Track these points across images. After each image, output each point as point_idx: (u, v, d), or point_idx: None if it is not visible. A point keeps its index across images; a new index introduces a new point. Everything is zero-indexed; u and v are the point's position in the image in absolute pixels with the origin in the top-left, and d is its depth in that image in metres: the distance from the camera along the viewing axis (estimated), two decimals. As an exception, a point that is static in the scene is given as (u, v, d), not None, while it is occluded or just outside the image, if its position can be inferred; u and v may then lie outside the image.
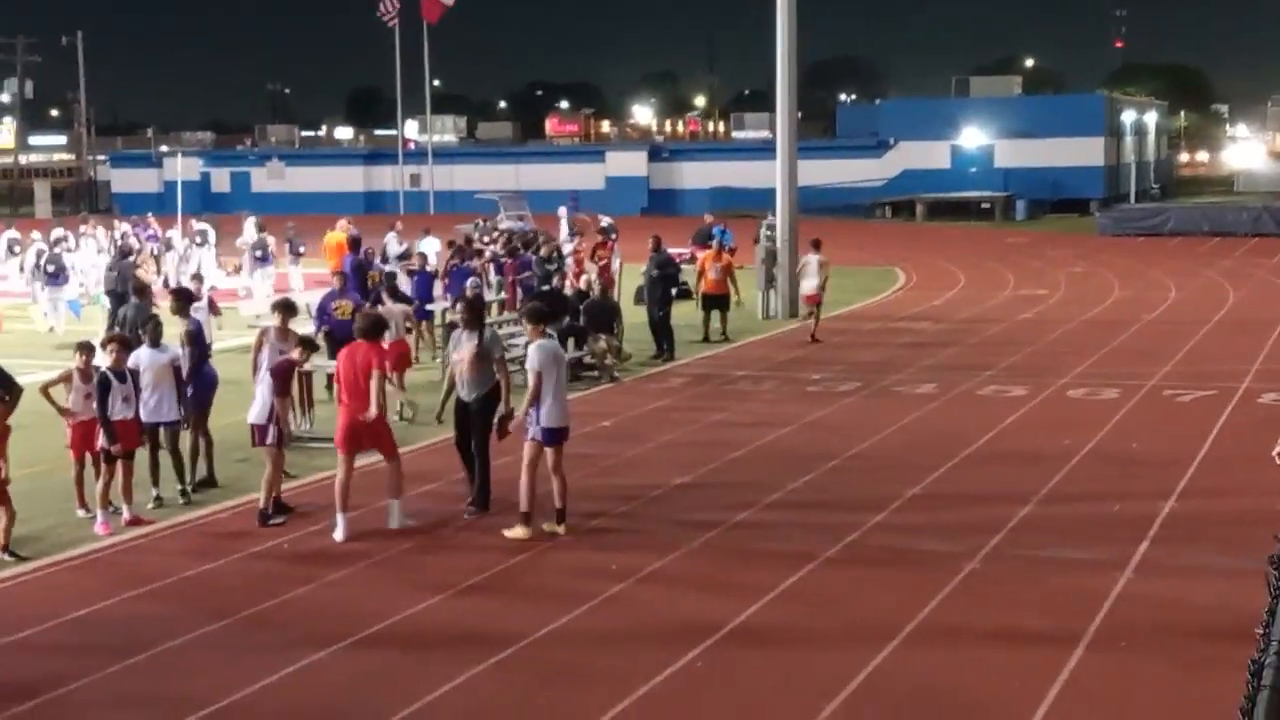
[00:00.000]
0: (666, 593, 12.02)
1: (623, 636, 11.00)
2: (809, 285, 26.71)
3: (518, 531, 13.32)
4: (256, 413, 14.07)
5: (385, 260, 29.34)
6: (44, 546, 13.35)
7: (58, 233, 34.67)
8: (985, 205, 69.03)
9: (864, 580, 12.30)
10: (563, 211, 41.32)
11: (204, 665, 10.39)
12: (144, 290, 19.35)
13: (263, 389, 14.13)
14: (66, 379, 14.16)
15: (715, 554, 13.04)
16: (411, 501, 14.14)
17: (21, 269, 32.77)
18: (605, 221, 35.67)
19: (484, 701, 9.74)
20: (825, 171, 68.17)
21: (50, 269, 29.09)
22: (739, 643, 10.65)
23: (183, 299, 17.08)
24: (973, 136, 73.93)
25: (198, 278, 23.52)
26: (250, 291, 32.08)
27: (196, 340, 16.00)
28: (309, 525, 13.91)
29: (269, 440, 13.96)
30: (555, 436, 13.45)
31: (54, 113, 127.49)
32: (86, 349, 14.45)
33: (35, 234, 33.85)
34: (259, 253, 34.26)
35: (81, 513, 14.31)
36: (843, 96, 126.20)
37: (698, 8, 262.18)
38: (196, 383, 15.59)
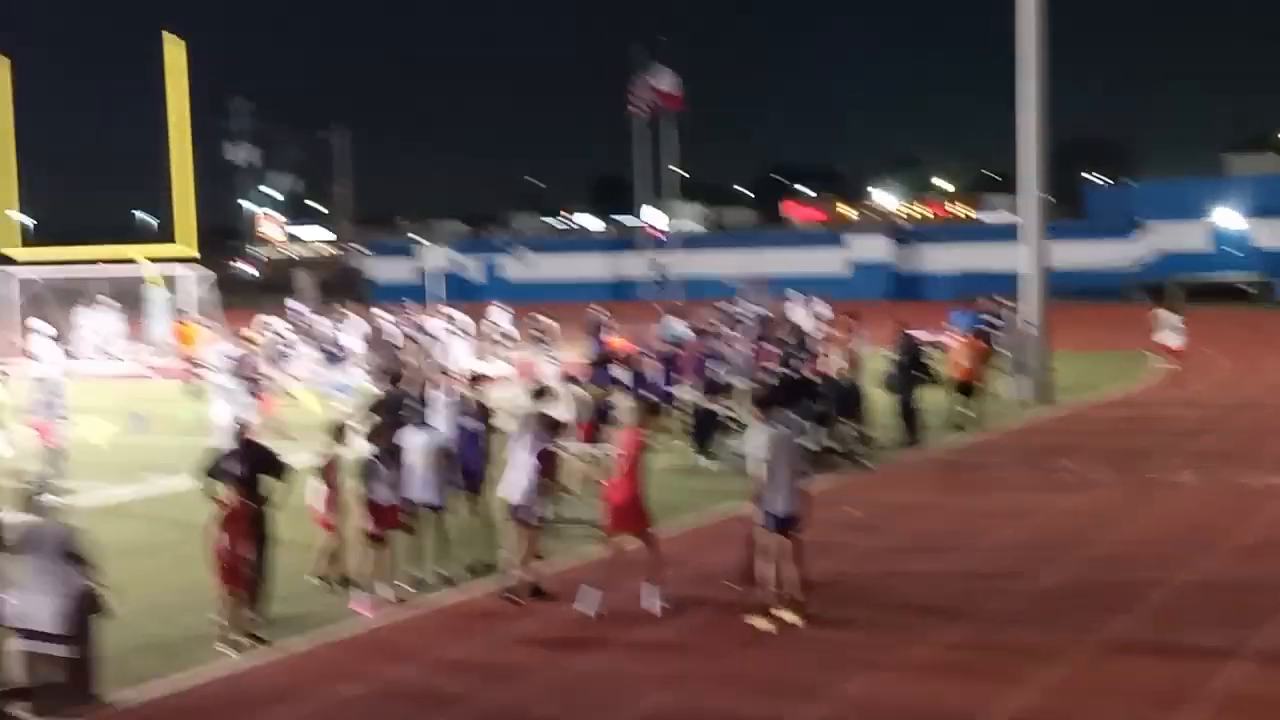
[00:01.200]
0: (919, 685, 11.77)
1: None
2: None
3: (760, 621, 13.26)
4: (519, 493, 14.37)
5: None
6: (306, 624, 13.76)
7: (327, 321, 36.28)
8: (1245, 287, 66.34)
9: (1131, 672, 11.88)
10: (794, 296, 41.21)
11: None
12: (407, 375, 20.06)
13: (523, 472, 14.41)
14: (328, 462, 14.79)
15: (968, 647, 12.74)
16: (665, 585, 14.18)
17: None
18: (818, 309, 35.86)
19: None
20: (1074, 254, 66.40)
21: (334, 352, 30.77)
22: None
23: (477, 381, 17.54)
24: (1230, 216, 71.29)
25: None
26: (503, 377, 32.83)
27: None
28: (561, 608, 14.07)
29: (531, 521, 14.26)
30: (785, 524, 13.36)
31: (313, 204, 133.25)
32: (339, 432, 15.16)
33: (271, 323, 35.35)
34: (506, 339, 35.20)
35: (315, 581, 14.83)
36: (1089, 176, 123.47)
37: (940, 90, 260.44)
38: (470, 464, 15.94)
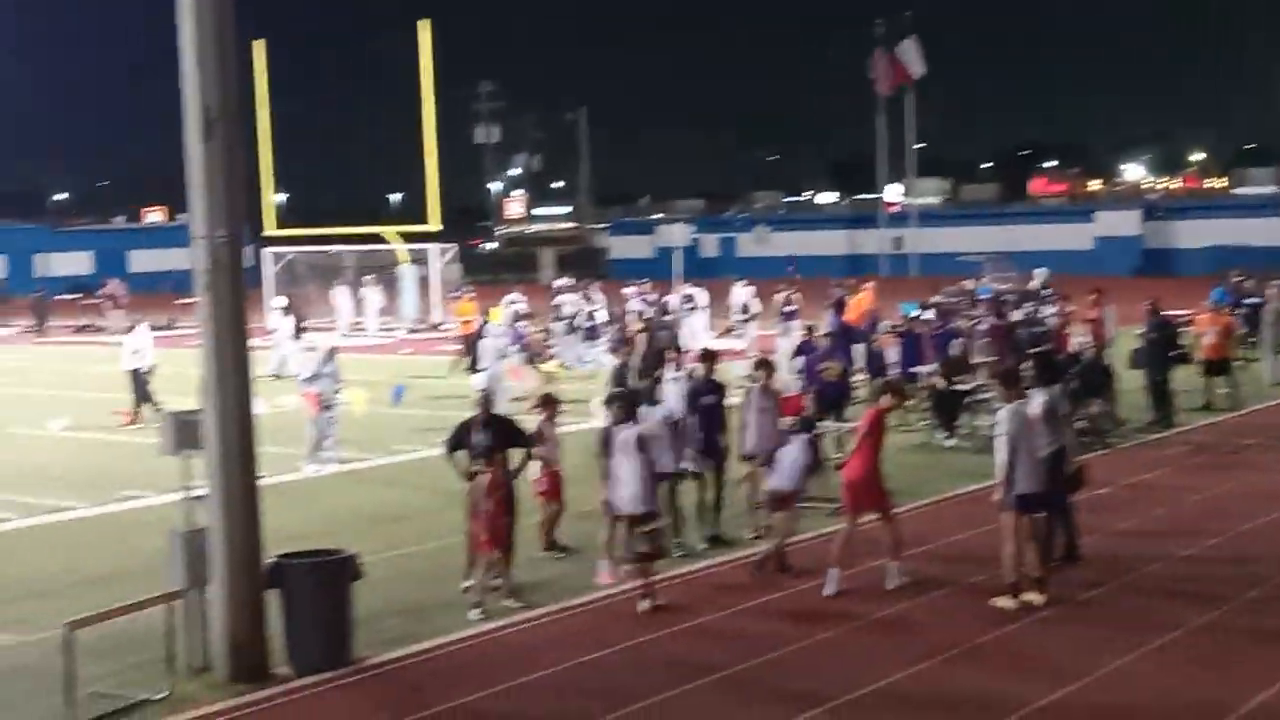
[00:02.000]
0: (1166, 670, 11.43)
1: (1118, 717, 10.56)
2: None
3: (1005, 601, 13.02)
4: (783, 477, 14.42)
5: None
6: (549, 591, 14.03)
7: (573, 297, 37.02)
8: None
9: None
10: (1037, 273, 40.25)
11: (699, 714, 10.72)
12: (646, 351, 20.33)
13: (793, 450, 14.48)
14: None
15: (1220, 632, 12.31)
16: (906, 562, 14.04)
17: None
18: (1038, 279, 34.91)
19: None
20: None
21: (587, 326, 31.49)
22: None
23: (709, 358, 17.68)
24: None
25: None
26: (743, 352, 32.93)
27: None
28: (801, 583, 14.10)
29: (794, 502, 14.36)
30: (1031, 503, 13.06)
31: (557, 184, 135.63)
32: (550, 402, 15.65)
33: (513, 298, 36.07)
34: (747, 315, 35.32)
35: (539, 552, 15.10)
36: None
37: (1190, 63, 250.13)
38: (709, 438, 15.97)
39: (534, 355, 27.94)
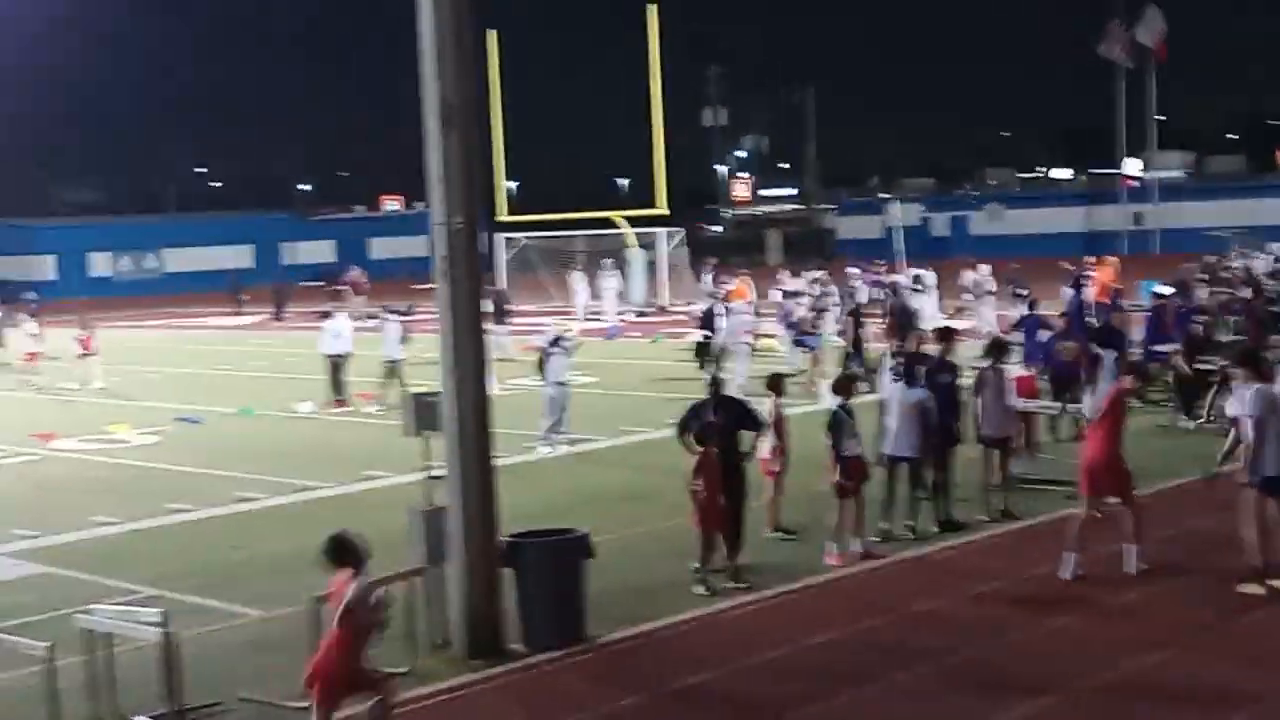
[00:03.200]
0: None
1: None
2: None
3: (1251, 587, 12.60)
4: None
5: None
6: (776, 572, 14.05)
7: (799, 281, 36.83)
8: None
9: None
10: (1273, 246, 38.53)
11: (926, 699, 10.66)
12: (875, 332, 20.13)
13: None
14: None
15: None
16: (1147, 546, 13.67)
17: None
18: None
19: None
20: None
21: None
22: None
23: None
24: None
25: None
26: (977, 331, 32.38)
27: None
28: (1034, 567, 13.86)
29: None
30: (1277, 487, 12.58)
31: (784, 165, 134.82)
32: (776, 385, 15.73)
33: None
34: (981, 294, 34.75)
35: (767, 533, 15.12)
36: None
37: None
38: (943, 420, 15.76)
39: (803, 333, 27.98)
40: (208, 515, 18.33)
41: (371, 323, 29.97)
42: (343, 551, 9.50)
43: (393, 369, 27.25)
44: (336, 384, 27.26)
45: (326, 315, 29.78)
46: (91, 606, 11.68)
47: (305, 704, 10.76)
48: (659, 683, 11.20)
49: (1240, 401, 12.88)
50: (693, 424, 14.09)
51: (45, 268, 75.13)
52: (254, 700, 11.14)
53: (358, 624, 9.26)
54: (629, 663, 11.76)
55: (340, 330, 27.96)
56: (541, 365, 22.30)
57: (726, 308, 30.78)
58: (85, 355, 33.01)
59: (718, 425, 13.94)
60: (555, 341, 22.46)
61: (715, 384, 14.89)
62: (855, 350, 26.84)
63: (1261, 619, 12.10)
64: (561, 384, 22.09)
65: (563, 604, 12.14)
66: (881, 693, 10.81)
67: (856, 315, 28.52)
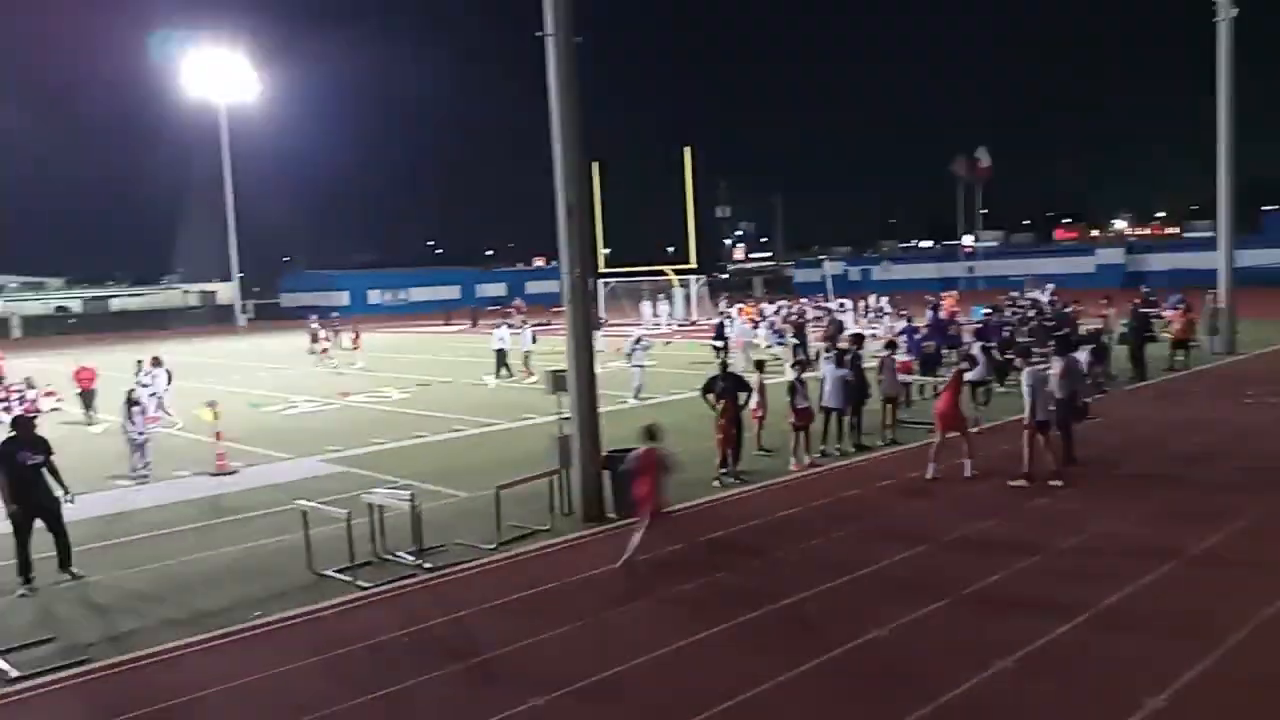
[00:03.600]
0: (1143, 526, 10.58)
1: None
2: None
3: (1020, 482, 12.44)
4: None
5: None
6: (760, 475, 13.91)
7: (774, 306, 36.35)
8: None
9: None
10: (1047, 287, 36.74)
11: (850, 545, 10.51)
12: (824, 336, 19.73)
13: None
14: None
15: (1182, 502, 11.35)
16: (977, 461, 13.38)
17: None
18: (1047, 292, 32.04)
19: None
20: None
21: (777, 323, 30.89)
22: None
23: None
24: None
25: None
26: (878, 336, 31.89)
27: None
28: (910, 472, 13.54)
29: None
30: (1044, 425, 12.43)
31: (764, 239, 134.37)
32: (760, 366, 15.37)
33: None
34: (879, 313, 34.17)
35: (755, 451, 14.69)
36: None
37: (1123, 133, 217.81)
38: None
39: (781, 336, 27.90)
40: (435, 439, 18.32)
41: (521, 330, 29.87)
42: (652, 433, 10.22)
43: (527, 357, 27.42)
44: (500, 365, 27.32)
45: (497, 326, 29.88)
46: (370, 490, 11.85)
47: (492, 545, 10.92)
48: (692, 536, 11.13)
49: (1024, 376, 12.77)
50: (714, 387, 14.04)
51: (342, 298, 75.64)
52: (462, 544, 11.26)
53: (663, 469, 9.99)
54: (675, 525, 11.61)
55: (503, 336, 28.05)
56: (630, 355, 22.30)
57: (729, 320, 30.78)
58: (355, 349, 34.08)
59: (727, 389, 13.91)
60: (638, 341, 22.47)
61: (724, 365, 14.84)
62: (803, 345, 26.64)
63: (1038, 502, 11.93)
64: (640, 367, 22.00)
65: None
66: (823, 542, 10.75)
67: (803, 326, 28.27)
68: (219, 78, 57.49)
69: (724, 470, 13.69)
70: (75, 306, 74.26)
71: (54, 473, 10.53)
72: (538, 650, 8.25)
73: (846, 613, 8.66)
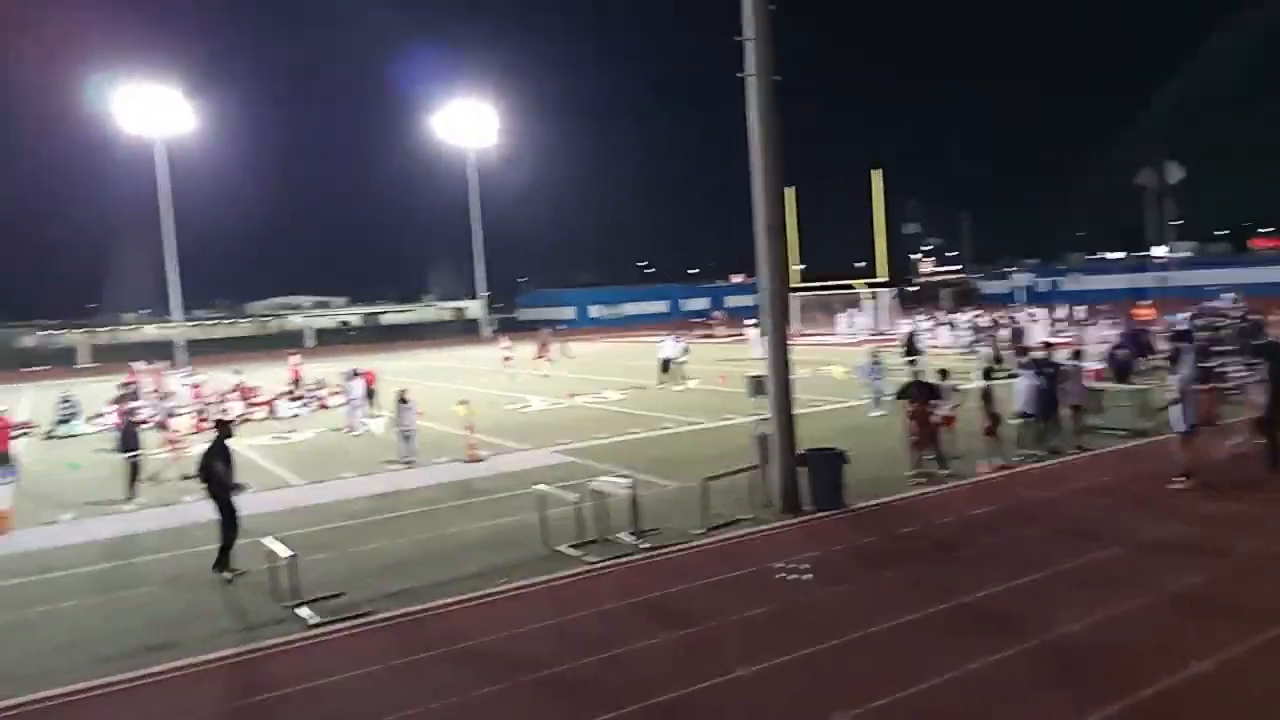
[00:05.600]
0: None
1: None
2: None
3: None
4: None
5: None
6: (951, 477, 13.33)
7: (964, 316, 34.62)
8: None
9: None
10: (1224, 296, 30.23)
11: (1032, 544, 9.97)
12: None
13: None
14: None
15: None
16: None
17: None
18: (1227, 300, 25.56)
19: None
20: None
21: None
22: None
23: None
24: None
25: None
26: (1073, 342, 29.60)
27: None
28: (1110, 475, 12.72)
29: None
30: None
31: (952, 254, 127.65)
32: (945, 372, 14.47)
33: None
34: (1077, 322, 31.77)
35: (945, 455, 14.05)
36: None
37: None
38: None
39: (977, 342, 26.64)
40: (646, 435, 18.61)
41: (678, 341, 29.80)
42: (924, 388, 11.66)
43: (667, 364, 27.52)
44: (663, 370, 27.37)
45: (665, 339, 30.17)
46: (595, 478, 12.30)
47: (700, 529, 11.16)
48: (885, 530, 10.92)
49: (1174, 382, 11.76)
50: (910, 392, 13.67)
51: (568, 313, 78.63)
52: (673, 528, 11.47)
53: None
54: (868, 519, 11.48)
55: (668, 345, 28.34)
56: (869, 378, 19.72)
57: (921, 330, 29.62)
58: (540, 358, 35.17)
59: (919, 394, 13.52)
60: (874, 357, 20.15)
61: (915, 373, 14.42)
62: (995, 354, 25.21)
63: (1232, 508, 10.77)
64: (878, 380, 19.50)
65: (832, 486, 11.97)
66: (1005, 540, 10.25)
67: (994, 336, 26.70)
68: (465, 128, 63.53)
69: (917, 469, 13.29)
70: (355, 320, 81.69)
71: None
72: (741, 626, 8.37)
73: (1038, 607, 8.24)
